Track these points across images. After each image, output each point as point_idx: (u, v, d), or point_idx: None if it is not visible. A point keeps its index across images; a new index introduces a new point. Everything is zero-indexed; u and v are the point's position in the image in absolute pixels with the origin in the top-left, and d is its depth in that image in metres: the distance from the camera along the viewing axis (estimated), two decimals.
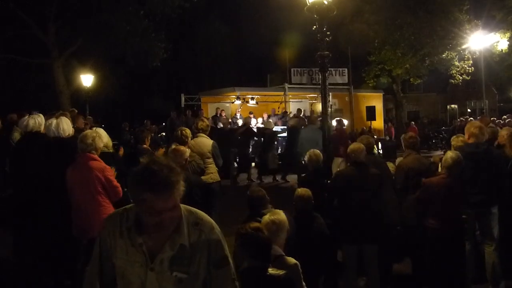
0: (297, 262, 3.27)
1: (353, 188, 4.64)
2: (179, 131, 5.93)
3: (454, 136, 5.80)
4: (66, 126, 5.12)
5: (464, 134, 5.40)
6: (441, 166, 4.68)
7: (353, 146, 4.91)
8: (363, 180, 4.64)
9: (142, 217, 1.91)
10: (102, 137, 4.93)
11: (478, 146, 4.92)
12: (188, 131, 6.03)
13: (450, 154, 4.63)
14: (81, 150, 4.51)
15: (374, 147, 5.60)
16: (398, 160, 6.29)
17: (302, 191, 4.51)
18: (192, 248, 1.97)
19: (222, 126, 14.53)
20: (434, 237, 4.58)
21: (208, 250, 1.99)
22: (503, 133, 5.62)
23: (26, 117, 5.79)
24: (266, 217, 3.45)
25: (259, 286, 2.84)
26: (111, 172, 4.57)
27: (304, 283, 3.32)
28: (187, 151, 4.77)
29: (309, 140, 9.59)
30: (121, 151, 6.35)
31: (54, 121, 5.10)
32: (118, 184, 4.62)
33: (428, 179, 4.71)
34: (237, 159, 13.57)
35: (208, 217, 2.09)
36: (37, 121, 5.41)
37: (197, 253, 1.97)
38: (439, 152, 19.36)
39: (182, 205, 2.01)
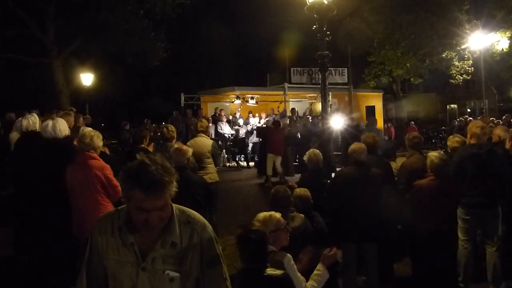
0: (289, 255, 3.26)
1: (353, 187, 4.63)
2: (165, 128, 5.99)
3: (451, 136, 5.79)
4: (62, 126, 5.11)
5: (462, 134, 5.38)
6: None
7: (354, 146, 4.89)
8: (364, 180, 4.63)
9: (131, 214, 1.89)
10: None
11: (481, 147, 4.89)
12: (173, 127, 6.08)
13: (434, 154, 4.62)
14: (80, 149, 4.51)
15: (378, 146, 5.56)
16: (399, 160, 6.29)
17: (300, 191, 4.50)
18: (184, 246, 1.95)
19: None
20: (427, 237, 4.59)
21: (200, 248, 1.98)
22: (502, 133, 5.60)
23: (20, 118, 5.77)
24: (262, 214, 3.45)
25: (255, 287, 2.82)
26: (110, 171, 4.56)
27: (299, 274, 3.31)
28: (190, 151, 4.75)
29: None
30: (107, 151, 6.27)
31: (50, 122, 5.08)
32: (118, 183, 4.61)
33: (418, 182, 4.72)
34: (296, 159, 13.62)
35: (200, 216, 2.08)
36: (31, 120, 5.40)
37: (189, 251, 1.96)
38: None
39: (174, 205, 1.98)
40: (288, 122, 13.85)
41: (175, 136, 5.97)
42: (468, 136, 5.08)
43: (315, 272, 3.46)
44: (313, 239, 4.02)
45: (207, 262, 2.00)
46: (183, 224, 1.98)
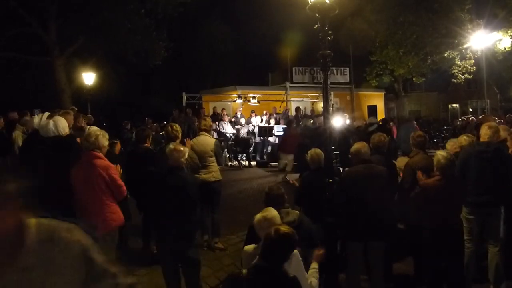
0: (297, 251, 3.29)
1: (362, 186, 4.62)
2: (169, 127, 5.95)
3: (462, 135, 5.81)
4: (63, 124, 5.13)
5: (463, 133, 5.38)
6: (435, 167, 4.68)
7: (358, 145, 4.89)
8: (371, 178, 4.63)
9: None
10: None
11: (489, 145, 4.91)
12: (178, 126, 6.04)
13: (442, 154, 4.63)
14: (85, 148, 4.52)
15: (385, 146, 5.55)
16: (400, 159, 6.28)
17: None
18: (45, 270, 1.65)
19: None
20: (431, 237, 4.59)
21: (68, 269, 1.69)
22: (504, 133, 5.60)
23: (30, 116, 5.78)
24: (258, 215, 3.48)
25: (266, 286, 2.83)
26: (115, 171, 4.56)
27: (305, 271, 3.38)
28: (186, 151, 4.74)
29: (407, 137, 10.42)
30: (119, 146, 6.28)
31: (51, 121, 5.09)
32: (122, 183, 4.61)
33: (424, 182, 4.71)
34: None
35: (72, 231, 1.76)
36: (34, 120, 5.41)
37: (52, 275, 1.66)
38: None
39: (38, 220, 1.72)
40: (311, 121, 13.94)
41: (180, 135, 5.93)
42: (481, 134, 5.09)
43: (311, 269, 3.53)
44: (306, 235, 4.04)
45: (88, 279, 1.73)
46: (43, 243, 1.67)
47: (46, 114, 5.70)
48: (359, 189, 4.62)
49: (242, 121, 16.87)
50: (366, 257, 4.69)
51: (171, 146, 4.71)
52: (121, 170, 4.79)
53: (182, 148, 4.66)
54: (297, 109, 16.05)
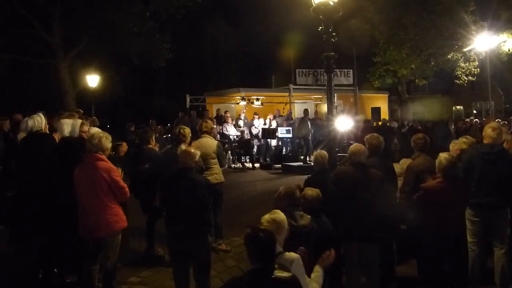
0: (298, 256, 3.26)
1: (350, 187, 4.60)
2: (177, 130, 5.94)
3: (460, 138, 5.78)
4: (78, 128, 5.18)
5: (468, 135, 5.37)
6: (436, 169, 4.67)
7: (354, 147, 4.86)
8: (361, 180, 4.60)
9: None
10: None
11: (493, 147, 4.90)
12: (187, 129, 6.03)
13: (444, 155, 4.62)
14: (88, 150, 4.53)
15: (382, 148, 5.54)
16: (403, 161, 6.26)
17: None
18: None
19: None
20: (434, 239, 4.57)
21: None
22: (505, 135, 5.58)
23: (26, 118, 5.79)
24: (266, 216, 3.44)
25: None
26: (117, 173, 4.57)
27: (306, 276, 3.32)
28: (198, 154, 4.73)
29: (443, 137, 11.83)
30: (124, 147, 6.27)
31: (69, 121, 5.14)
32: (125, 185, 4.62)
33: (426, 184, 4.70)
34: None
35: None
36: (36, 121, 5.42)
37: None
38: None
39: None
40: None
41: (188, 139, 5.94)
42: (483, 136, 5.07)
43: (314, 273, 3.45)
44: (317, 239, 4.03)
45: None
46: None
47: (41, 114, 5.71)
48: (346, 189, 4.61)
49: (241, 123, 16.80)
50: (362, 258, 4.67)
51: (183, 147, 4.70)
52: (122, 172, 4.79)
53: (193, 150, 4.66)
54: (306, 111, 15.90)
